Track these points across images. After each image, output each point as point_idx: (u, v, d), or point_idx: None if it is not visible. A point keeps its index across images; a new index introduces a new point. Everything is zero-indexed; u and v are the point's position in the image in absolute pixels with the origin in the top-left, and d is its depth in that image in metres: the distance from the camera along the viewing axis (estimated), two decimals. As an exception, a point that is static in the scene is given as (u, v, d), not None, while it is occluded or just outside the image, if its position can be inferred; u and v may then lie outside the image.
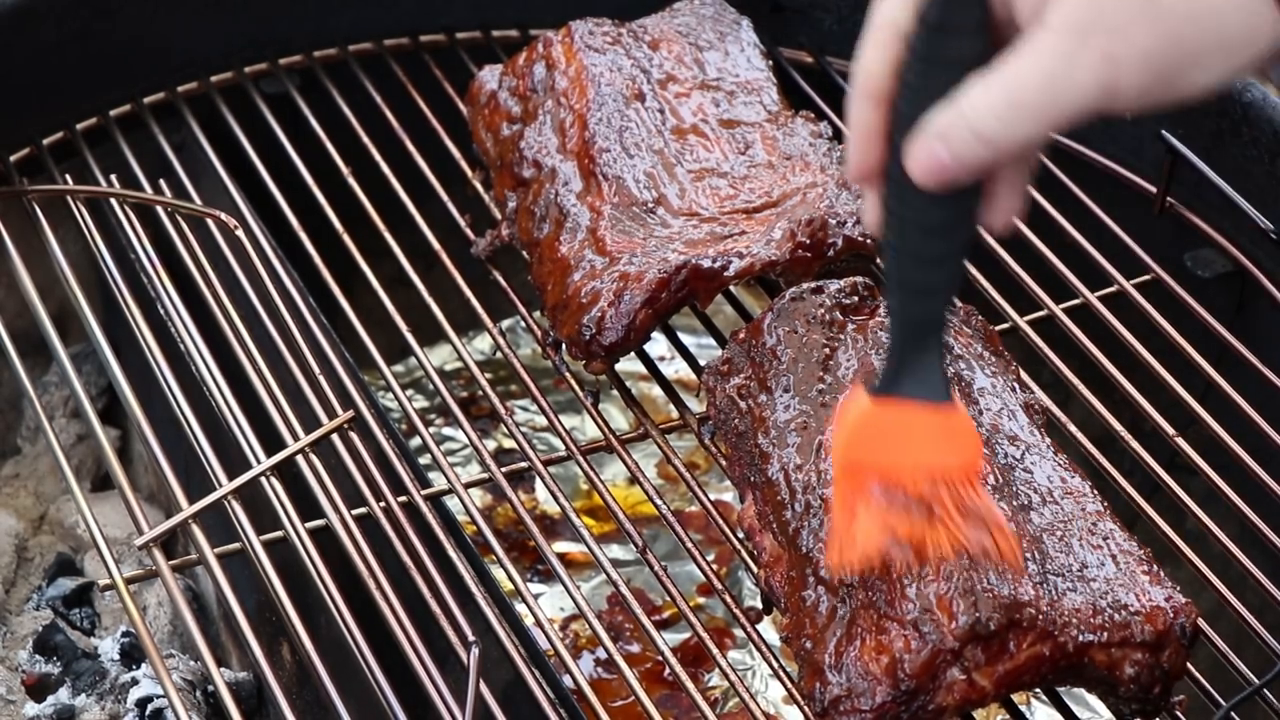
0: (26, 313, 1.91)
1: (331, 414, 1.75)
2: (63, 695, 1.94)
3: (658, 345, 2.21)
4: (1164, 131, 2.02)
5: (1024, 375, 1.69)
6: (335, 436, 1.73)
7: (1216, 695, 1.56)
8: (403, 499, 1.68)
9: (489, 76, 2.02)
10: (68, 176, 2.03)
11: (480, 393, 2.20)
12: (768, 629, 1.98)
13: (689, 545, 1.66)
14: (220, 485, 1.67)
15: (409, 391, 2.37)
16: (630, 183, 1.83)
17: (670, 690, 2.03)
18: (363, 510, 1.67)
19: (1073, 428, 1.77)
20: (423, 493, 1.70)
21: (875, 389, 1.31)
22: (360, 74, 2.19)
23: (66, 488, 2.10)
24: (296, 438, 1.71)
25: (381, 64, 2.22)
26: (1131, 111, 1.15)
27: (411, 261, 1.94)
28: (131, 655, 1.98)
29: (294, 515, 1.65)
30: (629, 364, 1.83)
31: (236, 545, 1.64)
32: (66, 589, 2.09)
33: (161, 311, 1.87)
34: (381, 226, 1.99)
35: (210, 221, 1.97)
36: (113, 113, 2.13)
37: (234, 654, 2.00)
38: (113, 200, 2.00)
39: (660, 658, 1.83)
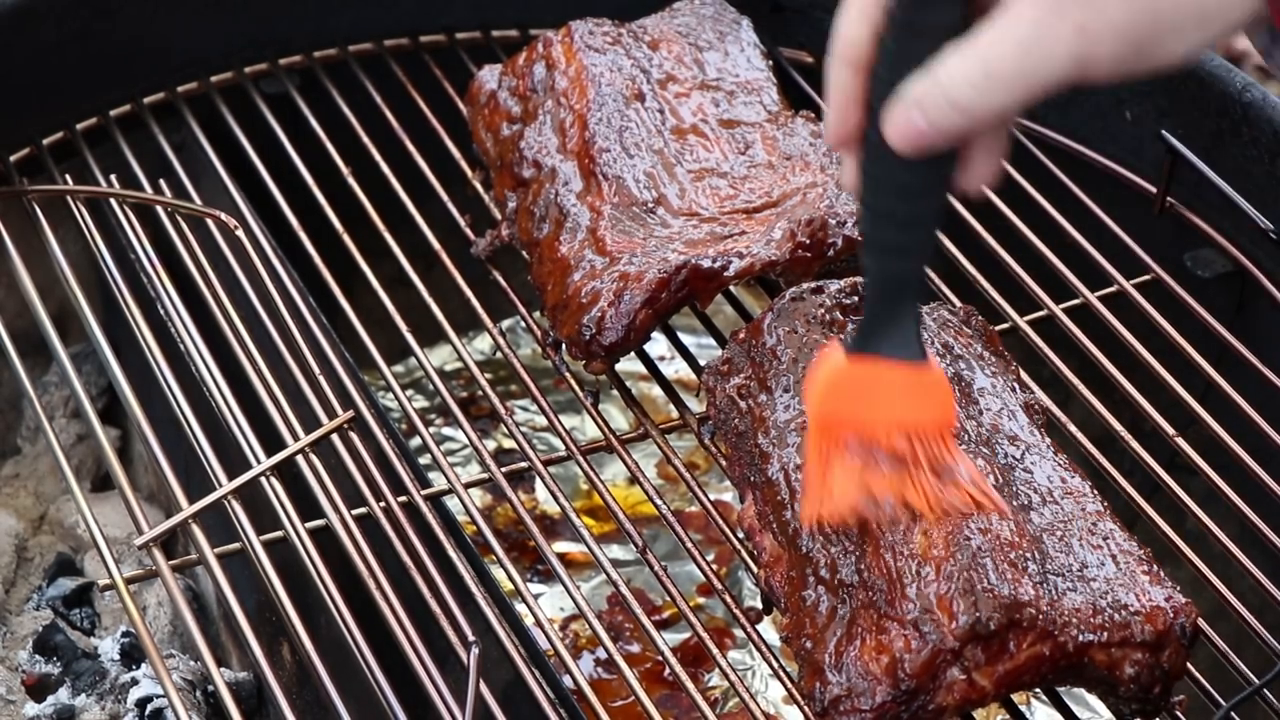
0: (26, 313, 1.91)
1: (331, 414, 1.75)
2: (63, 695, 1.94)
3: (658, 345, 2.21)
4: (1164, 131, 2.02)
5: (1024, 375, 1.69)
6: (335, 436, 1.73)
7: (1216, 695, 1.56)
8: (403, 499, 1.68)
9: (489, 76, 2.02)
10: (68, 176, 2.03)
11: (480, 393, 2.20)
12: (768, 629, 1.98)
13: (689, 545, 1.66)
14: (220, 485, 1.67)
15: (409, 391, 2.37)
16: (630, 183, 1.83)
17: (670, 690, 2.03)
18: (363, 510, 1.67)
19: (1073, 428, 1.77)
20: (423, 493, 1.70)
21: (851, 347, 1.33)
22: (360, 74, 2.19)
23: (66, 488, 2.10)
24: (296, 438, 1.71)
25: (381, 64, 2.22)
26: (1106, 81, 1.18)
27: (411, 261, 1.94)
28: (131, 655, 1.98)
29: (294, 515, 1.65)
30: (629, 364, 1.83)
31: (236, 545, 1.64)
32: (66, 589, 2.09)
33: (161, 311, 1.87)
34: (381, 226, 1.99)
35: (210, 221, 1.97)
36: (113, 113, 2.13)
37: (234, 654, 2.00)
38: (113, 200, 2.00)
39: (660, 658, 1.83)
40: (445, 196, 2.02)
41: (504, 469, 1.74)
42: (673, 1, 2.07)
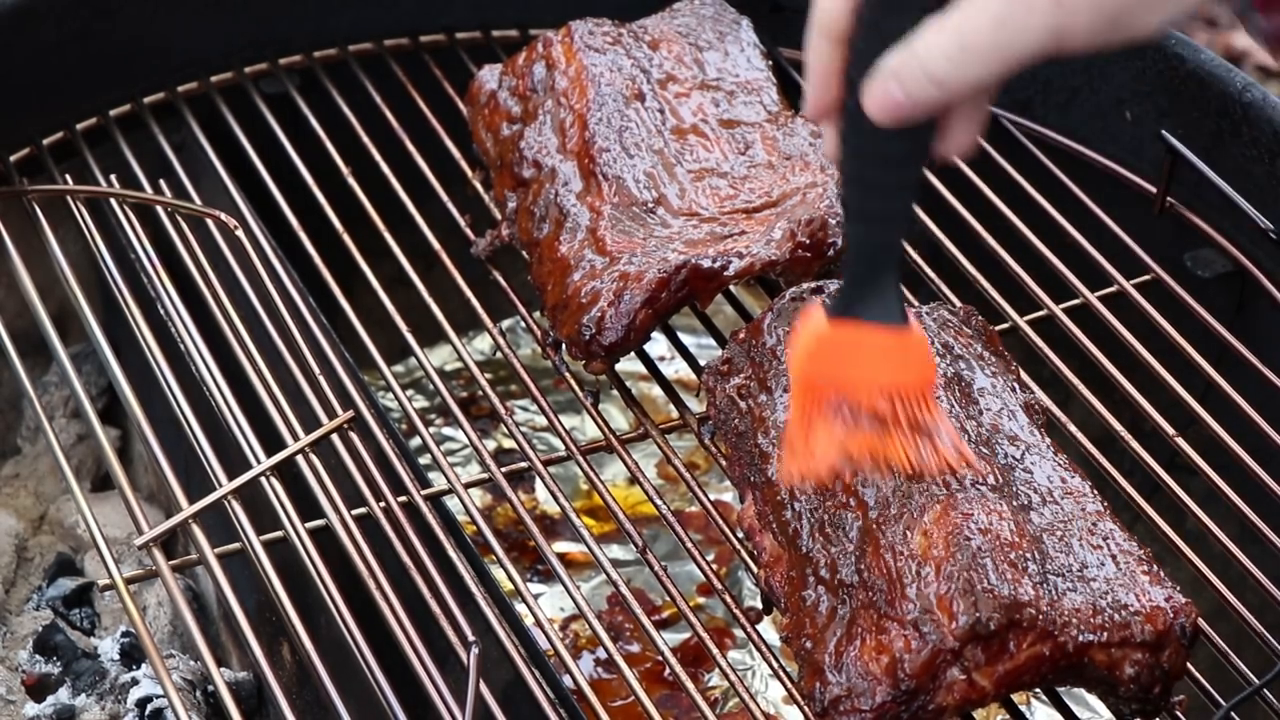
0: (26, 313, 1.91)
1: (331, 414, 1.75)
2: (63, 695, 1.94)
3: (658, 345, 2.21)
4: (1164, 131, 2.02)
5: (1024, 375, 1.69)
6: (335, 436, 1.73)
7: (1216, 695, 1.56)
8: (403, 499, 1.68)
9: (489, 76, 2.02)
10: (68, 176, 2.03)
11: (480, 393, 2.20)
12: (768, 629, 1.98)
13: (689, 545, 1.66)
14: (220, 485, 1.67)
15: (409, 391, 2.37)
16: (630, 183, 1.83)
17: (670, 690, 2.03)
18: (363, 510, 1.67)
19: (1073, 428, 1.77)
20: (423, 493, 1.70)
21: (833, 311, 1.36)
22: (360, 74, 2.19)
23: (66, 488, 2.10)
24: (296, 438, 1.71)
25: (381, 64, 2.22)
26: (1081, 53, 1.20)
27: (411, 261, 1.94)
28: (131, 655, 1.98)
29: (294, 515, 1.65)
30: (629, 364, 1.83)
31: (236, 545, 1.64)
32: (66, 589, 2.09)
33: (161, 311, 1.87)
34: (381, 226, 1.99)
35: (210, 221, 1.97)
36: (113, 113, 2.13)
37: (234, 654, 2.00)
38: (113, 200, 2.00)
39: (660, 658, 1.83)
40: (445, 196, 2.02)
41: (504, 469, 1.74)
42: (673, 1, 2.07)
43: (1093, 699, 1.80)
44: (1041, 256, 1.97)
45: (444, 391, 1.81)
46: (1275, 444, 1.77)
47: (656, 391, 2.28)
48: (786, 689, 1.55)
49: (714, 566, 1.69)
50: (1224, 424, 1.78)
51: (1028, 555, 1.45)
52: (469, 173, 2.05)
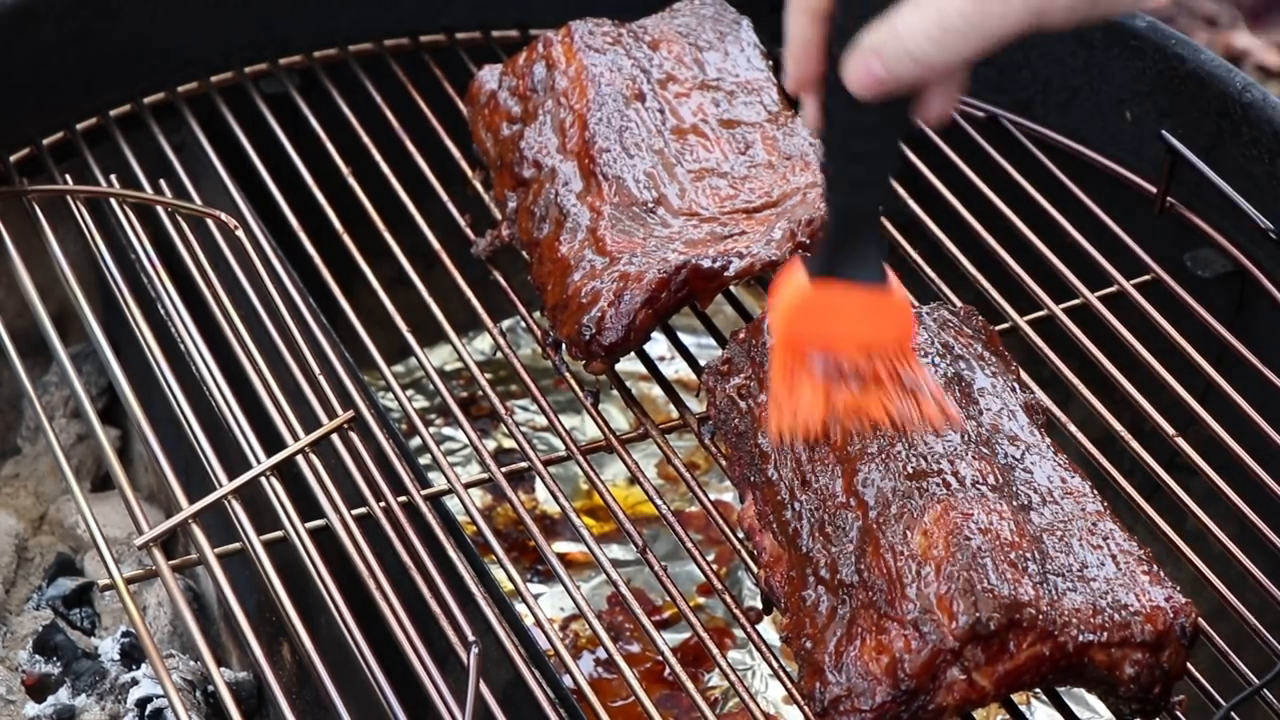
0: (26, 313, 1.91)
1: (331, 414, 1.75)
2: (63, 695, 1.94)
3: (658, 345, 2.21)
4: (1164, 131, 2.03)
5: (1024, 375, 1.69)
6: (335, 436, 1.73)
7: (1216, 695, 1.56)
8: (403, 499, 1.68)
9: (489, 76, 2.02)
10: (68, 176, 2.03)
11: (480, 393, 2.20)
12: (768, 629, 1.98)
13: (689, 545, 1.66)
14: (220, 485, 1.67)
15: (409, 391, 2.37)
16: (630, 183, 1.83)
17: (670, 690, 2.03)
18: (363, 510, 1.67)
19: (1073, 428, 1.77)
20: (423, 493, 1.70)
21: (814, 271, 1.41)
22: (360, 74, 2.19)
23: (66, 488, 2.10)
24: (296, 438, 1.71)
25: (381, 64, 2.22)
26: (1059, 30, 1.22)
27: (411, 261, 1.94)
28: (131, 655, 1.98)
29: (294, 515, 1.65)
30: (629, 364, 1.83)
31: (236, 545, 1.64)
32: (66, 589, 2.09)
33: (161, 311, 1.87)
34: (381, 226, 1.99)
35: (210, 221, 1.97)
36: (113, 113, 2.13)
37: (234, 654, 2.00)
38: (113, 200, 2.00)
39: (660, 658, 1.83)
40: (445, 196, 2.02)
41: (504, 469, 1.74)
42: (673, 1, 2.07)
43: (1093, 699, 1.80)
44: (1041, 256, 1.97)
45: (444, 391, 1.81)
46: (1275, 444, 1.77)
47: (656, 391, 2.28)
48: (786, 689, 1.55)
49: (714, 566, 1.70)
50: (1224, 424, 1.78)
51: (1028, 555, 1.45)
52: (469, 173, 2.05)
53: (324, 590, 1.58)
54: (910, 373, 1.44)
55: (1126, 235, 2.00)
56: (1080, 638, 1.43)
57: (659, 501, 1.69)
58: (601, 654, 2.07)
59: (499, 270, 1.93)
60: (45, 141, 2.09)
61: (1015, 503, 1.50)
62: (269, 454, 1.70)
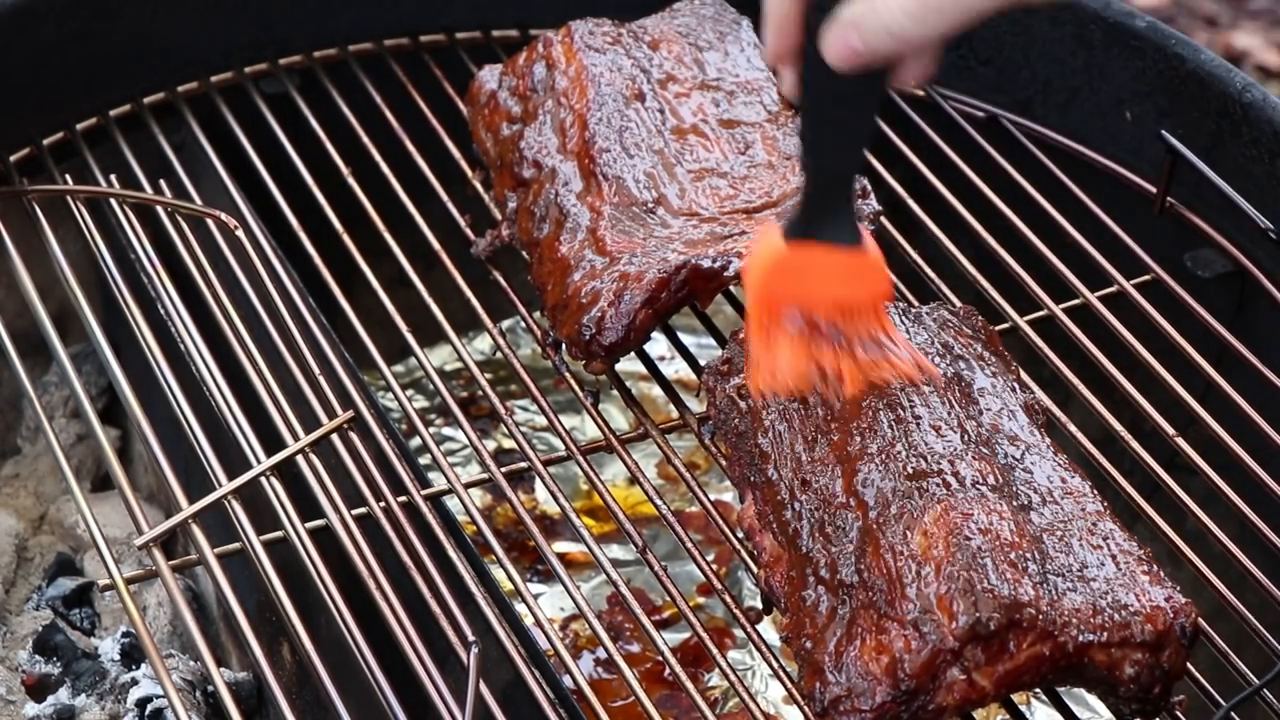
0: (26, 313, 1.91)
1: (331, 414, 1.75)
2: (63, 695, 1.94)
3: (658, 345, 2.21)
4: (1164, 132, 2.02)
5: (1024, 375, 1.69)
6: (335, 436, 1.73)
7: (1216, 695, 1.56)
8: (403, 499, 1.68)
9: (489, 76, 2.02)
10: (68, 176, 2.03)
11: (480, 393, 2.20)
12: (768, 629, 1.98)
13: (689, 545, 1.66)
14: (220, 485, 1.67)
15: (409, 391, 2.37)
16: (630, 183, 1.83)
17: (670, 690, 2.03)
18: (363, 510, 1.67)
19: (1073, 428, 1.77)
20: (423, 493, 1.70)
21: (789, 234, 1.45)
22: (360, 74, 2.19)
23: (66, 488, 2.10)
24: (296, 438, 1.71)
25: (381, 64, 2.22)
26: (1038, 4, 1.24)
27: (411, 261, 1.94)
28: (131, 655, 1.98)
29: (294, 515, 1.65)
30: (629, 364, 1.83)
31: (236, 545, 1.64)
32: (66, 589, 2.09)
33: (161, 311, 1.87)
34: (381, 226, 1.99)
35: (210, 221, 1.97)
36: (113, 113, 2.13)
37: (234, 654, 2.00)
38: (113, 200, 2.00)
39: (660, 658, 1.83)
40: (445, 196, 2.02)
41: (504, 469, 1.74)
42: (673, 1, 2.07)
43: (1093, 699, 1.80)
44: (1041, 256, 1.97)
45: (444, 391, 1.81)
46: (1275, 444, 1.77)
47: (656, 391, 2.28)
48: (786, 689, 1.55)
49: (714, 566, 1.70)
50: (1224, 424, 1.78)
51: (1028, 555, 1.45)
52: (469, 173, 2.05)
53: (324, 590, 1.58)
54: (884, 330, 1.48)
55: (1126, 235, 2.00)
56: (1080, 638, 1.43)
57: (659, 501, 1.69)
58: (601, 654, 2.07)
59: (499, 270, 1.93)
60: (45, 141, 2.09)
61: (1015, 503, 1.50)
62: (269, 454, 1.70)
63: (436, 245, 1.96)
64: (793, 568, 1.53)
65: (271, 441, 1.71)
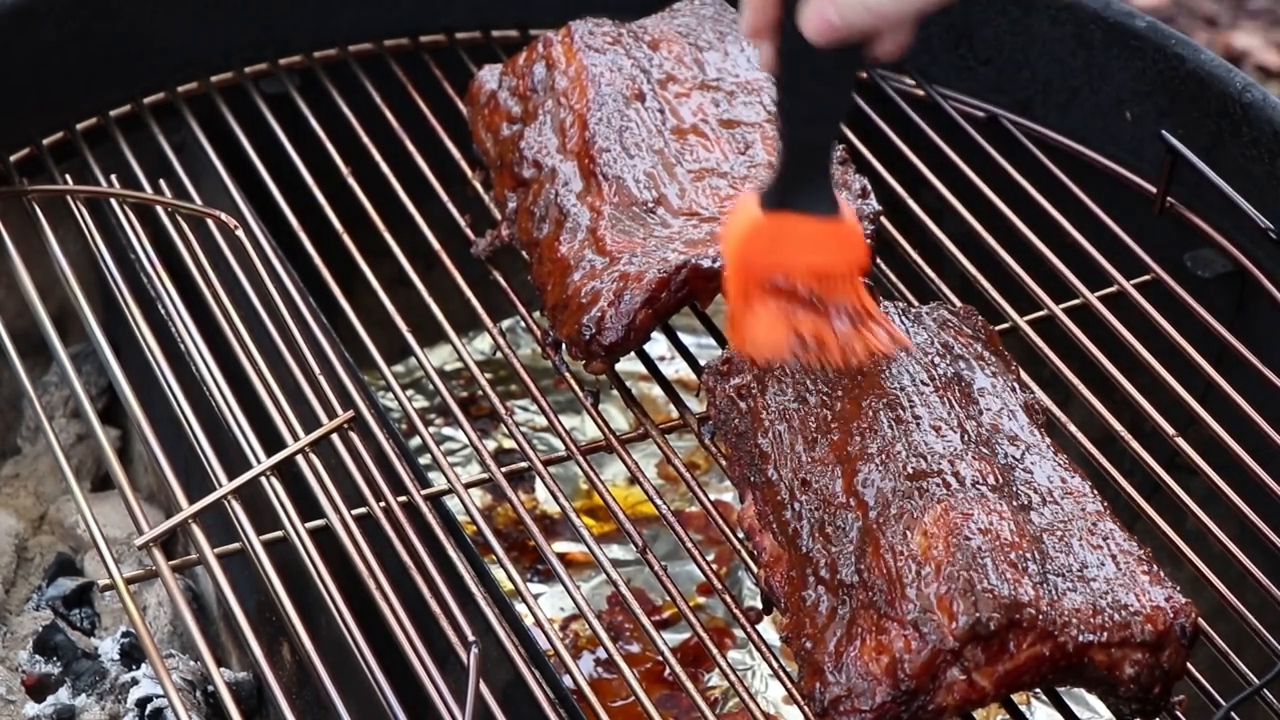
0: (26, 313, 1.91)
1: (331, 414, 1.75)
2: (63, 695, 1.94)
3: (658, 345, 2.21)
4: (1164, 131, 2.02)
5: (1024, 375, 1.69)
6: (335, 436, 1.73)
7: (1216, 695, 1.56)
8: (403, 499, 1.68)
9: (489, 76, 2.02)
10: (68, 176, 2.03)
11: (480, 393, 2.20)
12: (768, 629, 1.98)
13: (689, 545, 1.66)
14: (220, 485, 1.67)
15: (409, 391, 2.37)
16: (630, 183, 1.83)
17: (670, 690, 2.03)
18: (363, 510, 1.67)
19: (1073, 428, 1.77)
20: (423, 493, 1.70)
21: (767, 204, 1.49)
22: (360, 74, 2.19)
23: (66, 488, 2.10)
24: (296, 438, 1.71)
25: (381, 64, 2.22)
26: None
27: (411, 261, 1.94)
28: (131, 655, 1.98)
29: (294, 515, 1.65)
30: (629, 364, 1.83)
31: (236, 545, 1.64)
32: (66, 589, 2.09)
33: (161, 311, 1.87)
34: (381, 226, 1.99)
35: (210, 221, 1.97)
36: (113, 113, 2.13)
37: (234, 654, 2.00)
38: (113, 200, 2.00)
39: (660, 658, 1.83)
40: (445, 196, 2.02)
41: (504, 469, 1.74)
42: (673, 1, 2.07)
43: (1093, 699, 1.80)
44: (1041, 256, 1.97)
45: (444, 391, 1.81)
46: (1275, 444, 1.77)
47: (656, 391, 2.28)
48: (786, 689, 1.55)
49: (714, 566, 1.70)
50: (1224, 424, 1.78)
51: (1028, 555, 1.45)
52: (469, 173, 2.05)
53: (324, 590, 1.58)
54: (856, 297, 1.53)
55: (1126, 235, 2.00)
56: (1080, 638, 1.43)
57: (659, 501, 1.69)
58: (601, 654, 2.07)
59: (499, 270, 1.93)
60: (45, 141, 2.09)
61: (1015, 503, 1.50)
62: (269, 454, 1.70)
63: (436, 245, 1.96)
64: (793, 568, 1.53)
65: (271, 441, 1.71)
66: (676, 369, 2.31)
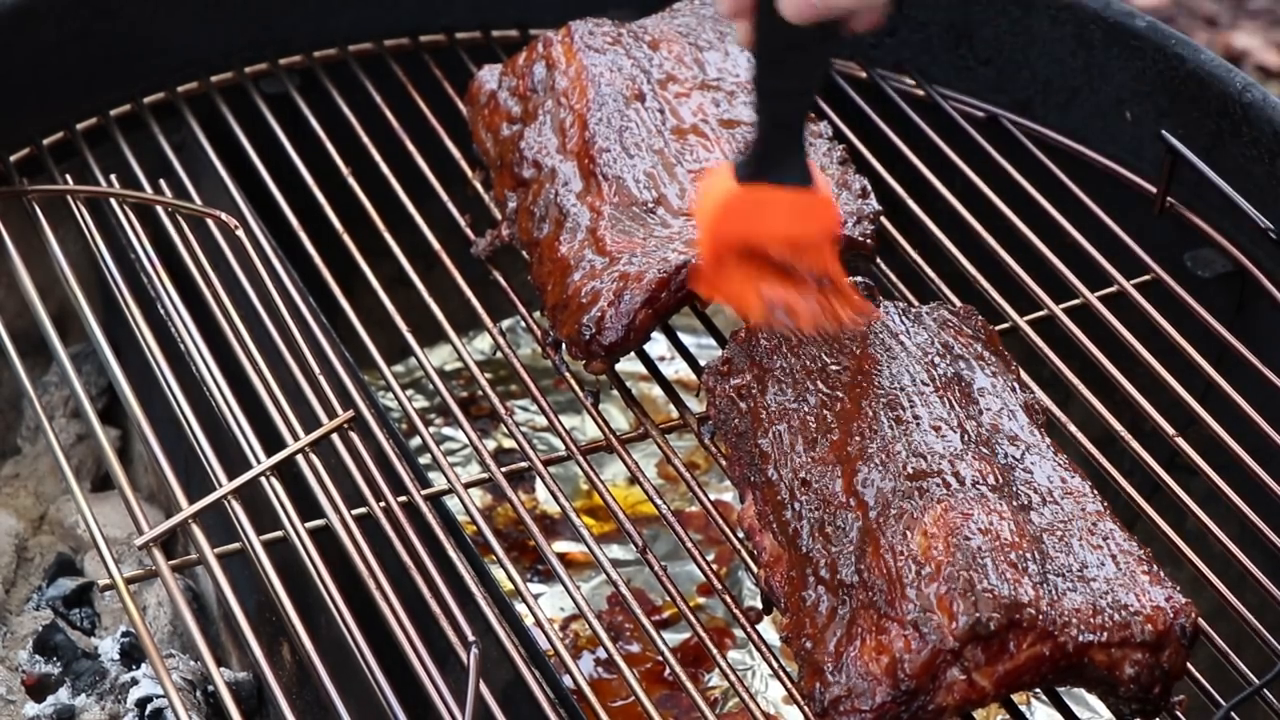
0: (26, 313, 1.91)
1: (331, 414, 1.75)
2: (63, 695, 1.94)
3: (658, 345, 2.21)
4: (1164, 131, 2.02)
5: (1024, 375, 1.69)
6: (335, 436, 1.73)
7: (1216, 695, 1.56)
8: (403, 499, 1.68)
9: (489, 76, 2.02)
10: (68, 176, 2.03)
11: (480, 393, 2.20)
12: (768, 629, 1.98)
13: (689, 545, 1.66)
14: (220, 485, 1.67)
15: (409, 391, 2.37)
16: (630, 183, 1.83)
17: (670, 690, 2.03)
18: (363, 510, 1.67)
19: (1073, 428, 1.77)
20: (423, 493, 1.70)
21: (742, 176, 1.53)
22: (360, 74, 2.19)
23: (66, 488, 2.10)
24: (296, 438, 1.71)
25: (381, 64, 2.22)
26: None
27: (411, 261, 1.94)
28: (131, 655, 1.98)
29: (294, 515, 1.65)
30: (629, 364, 1.83)
31: (236, 545, 1.64)
32: (66, 589, 2.09)
33: (161, 311, 1.87)
34: (381, 226, 1.99)
35: (210, 221, 1.97)
36: (113, 113, 2.13)
37: (234, 654, 2.00)
38: (113, 200, 2.00)
39: (660, 658, 1.83)
40: (445, 196, 2.02)
41: (504, 469, 1.74)
42: (673, 1, 2.07)
43: (1093, 699, 1.80)
44: (1041, 256, 1.97)
45: (444, 391, 1.81)
46: (1275, 444, 1.77)
47: (656, 391, 2.28)
48: (786, 689, 1.55)
49: (714, 566, 1.70)
50: (1224, 424, 1.78)
51: (1028, 555, 1.45)
52: (469, 173, 2.05)
53: (324, 590, 1.58)
54: (826, 264, 1.57)
55: (1126, 235, 2.00)
56: (1080, 638, 1.43)
57: (659, 501, 1.69)
58: (601, 654, 2.07)
59: (499, 270, 1.93)
60: (45, 141, 2.09)
61: (1015, 503, 1.50)
62: (269, 454, 1.70)
63: (436, 245, 1.96)
64: (793, 568, 1.53)
65: (271, 441, 1.71)
66: (676, 369, 2.30)
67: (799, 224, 1.55)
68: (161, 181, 2.02)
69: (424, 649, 1.54)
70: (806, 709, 1.49)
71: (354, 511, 1.66)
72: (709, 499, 1.70)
